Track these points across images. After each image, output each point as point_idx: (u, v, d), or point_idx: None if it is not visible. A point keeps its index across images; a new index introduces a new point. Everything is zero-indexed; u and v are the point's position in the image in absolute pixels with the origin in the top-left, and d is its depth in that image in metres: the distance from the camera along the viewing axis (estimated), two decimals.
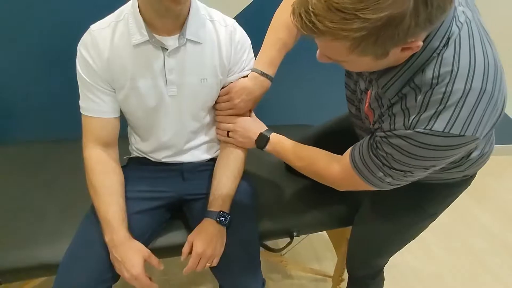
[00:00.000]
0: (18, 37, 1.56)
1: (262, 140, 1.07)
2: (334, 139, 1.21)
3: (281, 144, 1.06)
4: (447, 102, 0.66)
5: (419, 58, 0.68)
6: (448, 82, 0.66)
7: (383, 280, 1.36)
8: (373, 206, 1.14)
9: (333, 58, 0.70)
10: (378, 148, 0.78)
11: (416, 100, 0.69)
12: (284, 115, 2.11)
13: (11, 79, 1.65)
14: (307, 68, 1.93)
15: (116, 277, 0.97)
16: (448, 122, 0.66)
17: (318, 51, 0.73)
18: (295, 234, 1.23)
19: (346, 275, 1.41)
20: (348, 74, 0.96)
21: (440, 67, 0.67)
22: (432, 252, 1.95)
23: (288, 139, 1.07)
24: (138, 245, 0.95)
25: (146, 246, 0.99)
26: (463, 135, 0.66)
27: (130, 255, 0.92)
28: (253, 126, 1.10)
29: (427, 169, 0.76)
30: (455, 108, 0.65)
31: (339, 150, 0.95)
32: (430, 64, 0.68)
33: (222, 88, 1.08)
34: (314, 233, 1.49)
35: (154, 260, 0.96)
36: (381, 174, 0.81)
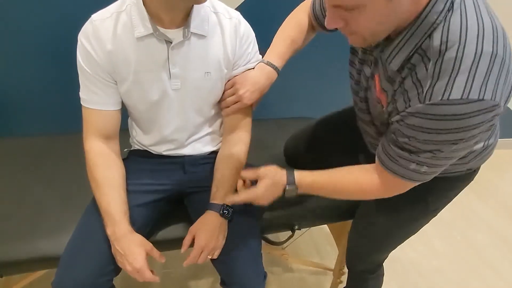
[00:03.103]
0: (18, 29, 1.54)
1: (291, 192, 0.95)
2: (333, 131, 1.20)
3: (310, 186, 0.95)
4: (459, 67, 0.63)
5: (423, 23, 0.67)
6: (459, 47, 0.63)
7: (382, 274, 1.35)
8: (375, 199, 1.13)
9: (344, 5, 0.66)
10: (399, 136, 0.76)
11: (427, 70, 0.67)
12: (285, 108, 2.10)
13: (11, 72, 1.64)
14: (309, 63, 1.92)
15: (117, 270, 0.97)
16: (465, 88, 0.63)
17: (326, 17, 0.71)
18: (296, 227, 1.23)
19: (346, 269, 1.41)
20: (352, 63, 0.95)
21: (448, 32, 0.65)
22: (433, 246, 1.95)
23: (311, 175, 0.95)
24: (140, 238, 0.95)
25: (147, 239, 0.98)
26: (482, 99, 0.63)
27: (133, 248, 0.91)
28: (274, 187, 0.95)
29: (455, 143, 0.71)
30: (469, 73, 0.62)
31: (338, 142, 0.93)
32: (437, 29, 0.66)
33: (227, 82, 1.06)
34: (315, 226, 1.49)
35: (156, 253, 0.96)
36: (413, 165, 0.78)
